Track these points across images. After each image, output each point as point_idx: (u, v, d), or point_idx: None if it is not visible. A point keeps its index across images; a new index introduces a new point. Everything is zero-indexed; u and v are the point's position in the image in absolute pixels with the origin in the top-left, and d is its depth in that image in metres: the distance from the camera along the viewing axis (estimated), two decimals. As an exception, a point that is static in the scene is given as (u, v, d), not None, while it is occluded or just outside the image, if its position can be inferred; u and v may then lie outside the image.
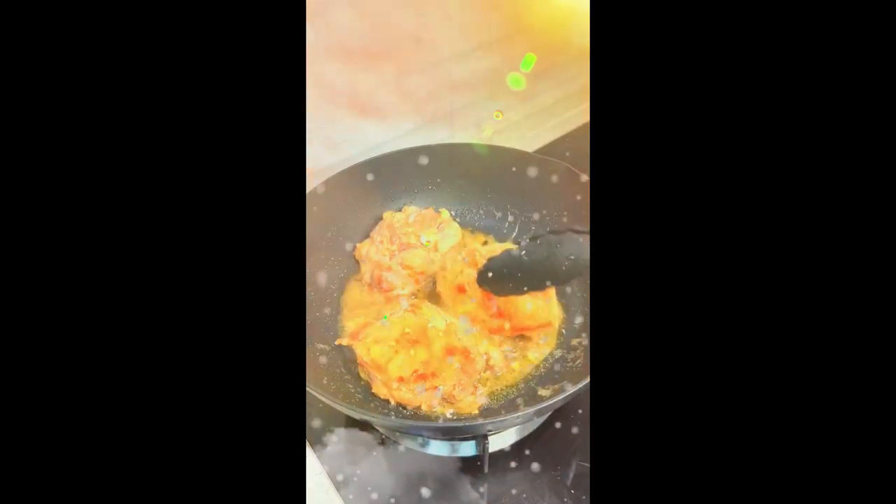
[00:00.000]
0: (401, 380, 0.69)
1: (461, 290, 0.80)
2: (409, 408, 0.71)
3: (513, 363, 0.77)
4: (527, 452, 0.74)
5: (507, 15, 1.08)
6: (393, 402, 0.70)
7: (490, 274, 0.78)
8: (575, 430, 0.76)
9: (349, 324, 0.81)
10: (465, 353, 0.72)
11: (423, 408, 0.70)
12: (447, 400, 0.71)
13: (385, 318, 0.76)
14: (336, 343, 0.77)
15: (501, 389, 0.75)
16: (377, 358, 0.71)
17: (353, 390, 0.73)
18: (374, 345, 0.72)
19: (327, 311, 0.84)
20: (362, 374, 0.75)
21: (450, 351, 0.72)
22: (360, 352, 0.72)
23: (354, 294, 0.87)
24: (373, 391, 0.72)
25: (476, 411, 0.71)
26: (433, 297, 0.84)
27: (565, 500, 0.70)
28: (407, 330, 0.74)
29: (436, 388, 0.69)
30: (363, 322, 0.77)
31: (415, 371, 0.70)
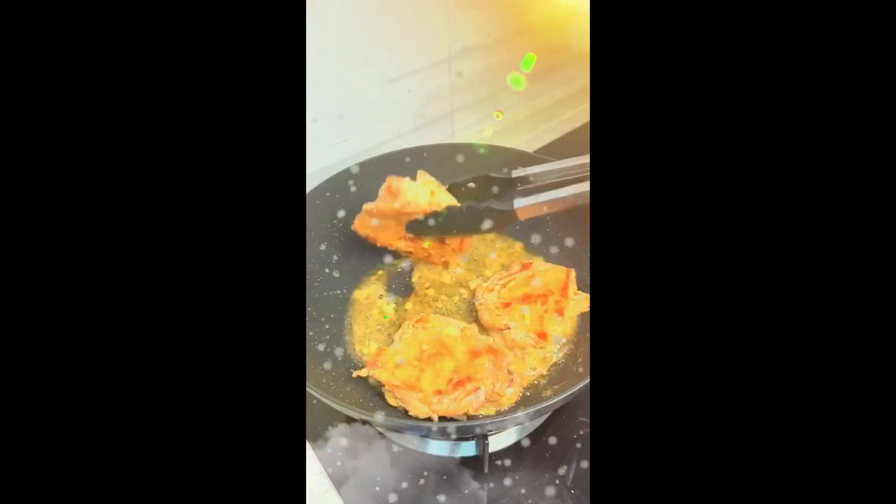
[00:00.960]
0: (439, 393, 0.68)
1: (506, 304, 0.79)
2: (456, 418, 0.68)
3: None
4: (527, 452, 0.74)
5: (507, 15, 1.08)
6: (435, 418, 0.67)
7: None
8: (576, 429, 0.76)
9: (362, 349, 0.79)
10: (492, 350, 0.72)
11: (471, 412, 0.68)
12: (490, 400, 0.70)
13: (385, 317, 0.75)
14: (354, 376, 0.73)
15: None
16: (407, 379, 0.69)
17: (352, 390, 0.73)
18: (398, 368, 0.70)
19: (329, 312, 0.84)
20: (391, 401, 0.71)
21: (474, 353, 0.71)
22: (385, 378, 0.70)
23: (360, 297, 0.86)
24: (410, 413, 0.68)
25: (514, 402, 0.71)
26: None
27: (565, 500, 0.70)
28: (424, 347, 0.72)
29: (477, 389, 0.68)
30: (377, 349, 0.76)
31: (449, 380, 0.68)
